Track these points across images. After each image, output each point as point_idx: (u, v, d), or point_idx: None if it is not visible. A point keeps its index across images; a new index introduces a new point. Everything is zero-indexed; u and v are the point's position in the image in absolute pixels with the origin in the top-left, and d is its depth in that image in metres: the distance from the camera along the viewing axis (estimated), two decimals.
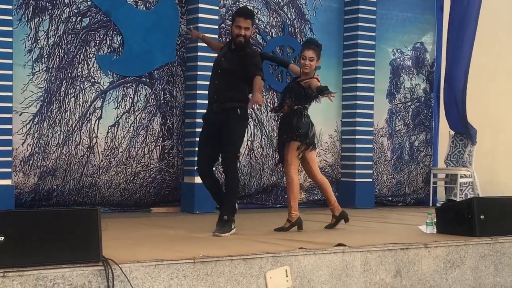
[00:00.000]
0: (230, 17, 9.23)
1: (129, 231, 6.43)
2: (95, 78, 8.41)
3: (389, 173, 10.66)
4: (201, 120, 8.53)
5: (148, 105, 8.76)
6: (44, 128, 8.08)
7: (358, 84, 10.05)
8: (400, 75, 10.79)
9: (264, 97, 9.59)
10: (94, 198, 8.41)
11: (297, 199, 6.76)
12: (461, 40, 10.60)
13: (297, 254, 5.18)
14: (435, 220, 6.58)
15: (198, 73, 8.77)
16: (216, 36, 8.92)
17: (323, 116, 9.75)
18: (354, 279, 5.42)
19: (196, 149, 8.57)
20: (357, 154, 10.04)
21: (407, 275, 5.71)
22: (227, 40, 9.14)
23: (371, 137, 10.24)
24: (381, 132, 10.57)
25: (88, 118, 8.36)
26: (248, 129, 8.94)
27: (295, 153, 6.70)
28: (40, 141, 8.06)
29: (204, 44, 8.75)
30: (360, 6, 10.04)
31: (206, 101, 8.35)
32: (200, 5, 8.81)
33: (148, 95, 8.76)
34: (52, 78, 8.13)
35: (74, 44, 8.27)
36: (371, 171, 10.21)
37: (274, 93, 9.63)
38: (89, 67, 8.37)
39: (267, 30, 9.64)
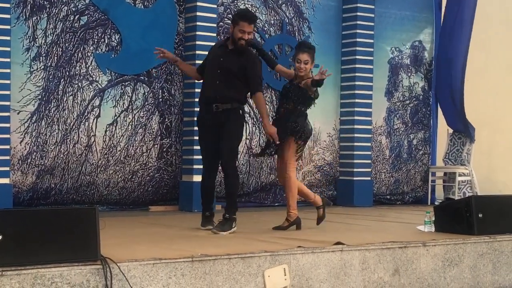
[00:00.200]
0: (229, 15, 9.28)
1: (127, 229, 6.42)
2: (93, 76, 8.40)
3: (388, 172, 10.66)
4: None
5: (146, 103, 8.75)
6: (42, 126, 8.07)
7: (357, 83, 10.05)
8: (399, 73, 10.79)
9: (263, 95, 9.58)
10: (92, 196, 8.40)
11: (296, 198, 6.75)
12: (457, 38, 10.60)
13: (296, 253, 5.18)
14: (434, 219, 6.58)
15: None
16: (214, 35, 8.92)
17: (321, 114, 9.75)
18: (352, 277, 5.42)
19: (195, 147, 8.67)
20: (355, 152, 10.04)
21: (406, 274, 5.71)
22: (223, 38, 9.14)
23: (369, 136, 10.24)
24: (379, 131, 10.57)
25: (86, 117, 8.35)
26: (246, 128, 8.96)
27: (293, 152, 6.68)
28: (38, 140, 8.05)
29: (202, 43, 8.78)
30: (359, 5, 10.04)
31: None
32: (198, 4, 8.80)
33: (146, 94, 8.75)
34: (50, 77, 8.12)
35: (72, 43, 8.26)
36: (369, 170, 10.21)
37: (273, 91, 9.62)
38: (87, 66, 8.36)
39: (265, 29, 9.64)
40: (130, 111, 8.65)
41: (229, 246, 5.26)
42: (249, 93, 6.51)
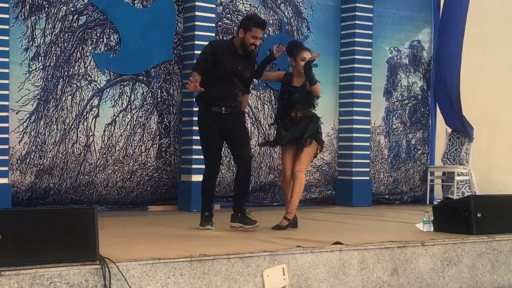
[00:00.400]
0: (228, 15, 9.28)
1: (126, 229, 6.43)
2: (92, 76, 8.40)
3: (386, 171, 10.67)
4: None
5: (145, 103, 8.75)
6: (41, 126, 8.07)
7: (355, 82, 10.05)
8: (397, 73, 10.79)
9: (261, 95, 9.60)
10: (91, 196, 8.40)
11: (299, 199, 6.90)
12: (450, 37, 10.63)
13: (294, 253, 5.18)
14: (432, 218, 6.58)
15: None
16: (213, 35, 8.92)
17: (320, 114, 9.66)
18: (351, 277, 5.43)
19: (193, 147, 8.68)
20: (354, 152, 10.05)
21: (404, 273, 5.71)
22: (222, 37, 9.15)
23: (368, 135, 10.24)
24: (378, 130, 10.57)
25: (85, 117, 8.35)
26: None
27: (311, 155, 6.84)
28: (37, 140, 8.05)
29: (201, 42, 8.77)
30: (357, 4, 10.04)
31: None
32: (197, 3, 8.80)
33: (145, 93, 8.75)
34: (49, 77, 8.12)
35: (71, 43, 8.26)
36: (368, 169, 10.21)
37: (271, 91, 9.62)
38: (86, 66, 8.36)
39: None
40: (129, 111, 8.65)
41: (228, 246, 5.26)
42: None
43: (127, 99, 8.63)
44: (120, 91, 8.58)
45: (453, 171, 10.67)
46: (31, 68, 8.01)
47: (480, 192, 10.54)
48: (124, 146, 8.60)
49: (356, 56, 10.05)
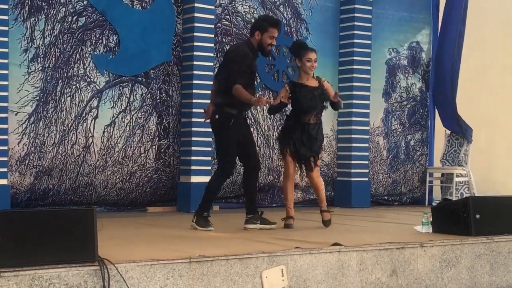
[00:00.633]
0: (227, 17, 9.29)
1: (125, 230, 6.43)
2: (91, 77, 8.40)
3: (385, 172, 10.68)
4: (197, 120, 8.62)
5: (144, 104, 8.76)
6: (40, 127, 8.07)
7: (354, 84, 10.06)
8: (396, 74, 10.80)
9: (261, 95, 9.60)
10: (90, 197, 8.41)
11: None
12: (447, 38, 10.65)
13: (293, 254, 5.18)
14: (431, 220, 6.59)
15: (194, 72, 8.78)
16: (212, 36, 8.93)
17: None
18: (350, 278, 5.43)
19: (192, 148, 8.70)
20: (353, 153, 10.05)
21: (403, 275, 5.71)
22: (223, 39, 9.16)
23: (367, 136, 10.25)
24: (377, 131, 10.58)
25: (84, 118, 8.35)
26: None
27: None
28: (36, 141, 8.05)
29: (200, 44, 8.79)
30: (356, 6, 10.05)
31: (204, 101, 8.42)
32: (196, 5, 8.81)
33: (144, 95, 8.76)
34: (48, 78, 8.13)
35: (70, 44, 8.26)
36: (367, 170, 10.22)
37: (270, 92, 9.63)
38: (85, 67, 8.36)
39: None
40: (128, 112, 8.65)
41: (227, 247, 5.27)
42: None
43: (126, 100, 8.64)
44: (119, 92, 8.58)
45: (452, 172, 10.68)
46: (30, 69, 8.01)
47: (479, 193, 10.56)
48: (123, 147, 8.61)
49: (355, 58, 10.06)
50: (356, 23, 10.06)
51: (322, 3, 10.13)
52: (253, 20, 9.40)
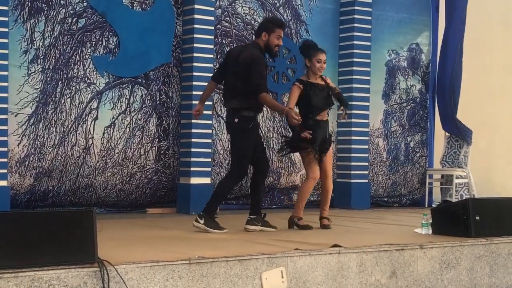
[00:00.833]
0: (227, 18, 9.29)
1: (125, 232, 6.43)
2: (91, 79, 8.40)
3: (385, 174, 10.68)
4: (197, 121, 8.63)
5: (144, 106, 8.76)
6: (40, 129, 8.07)
7: (354, 85, 10.06)
8: (396, 76, 10.81)
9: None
10: (90, 199, 8.40)
11: None
12: (448, 39, 10.65)
13: (293, 255, 5.18)
14: (431, 221, 6.59)
15: (194, 74, 8.78)
16: (212, 37, 8.93)
17: None
18: (349, 280, 5.43)
19: (192, 150, 8.70)
20: (352, 155, 10.05)
21: (403, 276, 5.71)
22: (223, 41, 9.16)
23: (366, 138, 10.25)
24: (376, 133, 10.58)
25: (84, 119, 8.35)
26: None
27: None
28: (36, 142, 8.05)
29: (200, 45, 8.80)
30: (356, 7, 10.06)
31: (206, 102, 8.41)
32: (196, 6, 8.81)
33: (144, 96, 8.76)
34: (48, 79, 8.13)
35: (70, 45, 8.26)
36: (366, 172, 10.22)
37: (270, 94, 9.60)
38: (85, 68, 8.36)
39: None
40: (128, 113, 8.66)
41: (227, 248, 5.27)
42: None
43: (126, 102, 8.64)
44: (119, 93, 8.59)
45: (452, 174, 10.68)
46: (30, 70, 8.01)
47: (478, 195, 10.56)
48: (123, 148, 8.61)
49: (354, 59, 10.06)
50: (355, 25, 10.07)
51: (322, 5, 10.14)
52: (253, 22, 9.44)
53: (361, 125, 10.14)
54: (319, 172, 6.97)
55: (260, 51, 6.62)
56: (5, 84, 7.70)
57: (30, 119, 8.01)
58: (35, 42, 8.04)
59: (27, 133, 7.99)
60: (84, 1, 8.32)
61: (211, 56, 8.94)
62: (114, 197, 8.59)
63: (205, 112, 8.63)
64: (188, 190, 8.66)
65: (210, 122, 8.92)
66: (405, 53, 10.89)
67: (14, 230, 4.12)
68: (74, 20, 8.29)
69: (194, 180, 8.69)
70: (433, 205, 10.00)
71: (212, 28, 8.98)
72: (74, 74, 8.30)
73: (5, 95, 7.70)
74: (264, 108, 9.51)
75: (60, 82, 8.21)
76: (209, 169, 8.89)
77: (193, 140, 8.75)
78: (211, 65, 8.89)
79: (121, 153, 8.59)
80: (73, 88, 8.29)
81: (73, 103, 8.29)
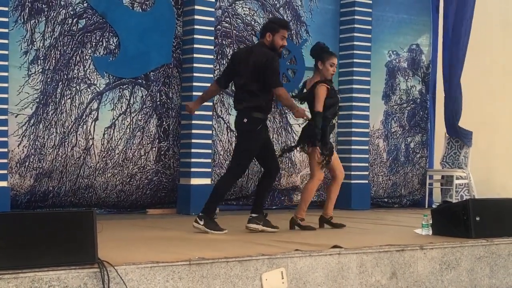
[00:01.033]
0: (227, 19, 9.30)
1: (125, 232, 6.43)
2: (91, 79, 8.40)
3: (385, 175, 10.68)
4: (197, 122, 8.65)
5: (144, 106, 8.76)
6: (40, 129, 8.08)
7: (354, 86, 10.06)
8: (396, 76, 10.80)
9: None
10: (90, 199, 8.41)
11: None
12: (457, 43, 10.62)
13: (293, 256, 5.18)
14: (431, 222, 6.59)
15: (194, 74, 8.78)
16: (212, 38, 8.93)
17: None
18: (350, 280, 5.43)
19: (192, 150, 8.70)
20: (353, 155, 10.04)
21: (403, 277, 5.71)
22: (223, 42, 9.17)
23: (367, 139, 10.25)
24: (377, 134, 10.58)
25: (84, 120, 8.36)
26: None
27: None
28: (36, 143, 8.05)
29: (200, 46, 8.79)
30: (356, 8, 10.06)
31: (204, 103, 8.42)
32: (196, 7, 8.81)
33: (144, 97, 8.76)
34: (48, 80, 8.13)
35: (70, 46, 8.27)
36: (367, 173, 10.22)
37: None
38: (85, 69, 8.36)
39: None
40: (128, 114, 8.66)
41: (227, 249, 5.27)
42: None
43: (127, 103, 8.64)
44: (120, 94, 8.59)
45: (452, 174, 10.68)
46: (31, 71, 8.02)
47: (479, 196, 10.56)
48: (124, 149, 8.61)
49: (355, 60, 10.06)
50: (356, 26, 10.07)
51: (322, 6, 10.14)
52: (253, 23, 9.44)
53: (361, 126, 10.14)
54: (333, 174, 7.19)
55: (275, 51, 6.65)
56: (5, 85, 7.70)
57: (30, 120, 8.01)
58: (35, 43, 8.04)
59: (27, 134, 8.00)
60: (85, 2, 8.33)
61: (211, 57, 8.94)
62: (114, 197, 8.59)
63: (205, 112, 8.68)
64: (188, 191, 8.66)
65: (210, 123, 8.92)
66: (405, 54, 10.89)
67: (14, 230, 4.12)
68: (75, 21, 8.30)
69: (194, 181, 8.69)
70: (433, 206, 9.99)
71: (212, 29, 8.98)
72: (75, 75, 8.30)
73: (5, 96, 7.70)
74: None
75: (60, 83, 8.21)
76: (209, 169, 8.89)
77: (193, 140, 8.75)
78: (211, 66, 8.90)
79: (121, 154, 8.60)
80: (74, 89, 8.29)
81: (74, 104, 8.29)
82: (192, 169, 8.70)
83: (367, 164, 10.23)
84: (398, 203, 10.78)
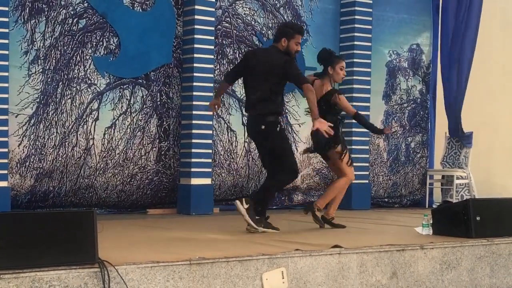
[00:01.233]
0: (227, 19, 9.30)
1: (125, 232, 6.43)
2: (92, 79, 8.40)
3: (385, 175, 10.67)
4: (197, 122, 8.65)
5: (144, 106, 8.76)
6: (41, 130, 8.07)
7: (354, 86, 10.06)
8: (396, 76, 10.80)
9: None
10: (90, 199, 8.41)
11: None
12: (462, 44, 10.61)
13: (293, 256, 5.18)
14: (431, 222, 6.59)
15: (194, 74, 8.78)
16: (212, 38, 8.93)
17: None
18: (350, 280, 5.43)
19: (193, 150, 8.71)
20: (353, 155, 10.01)
21: (403, 277, 5.71)
22: (223, 42, 9.17)
23: (367, 139, 10.25)
24: None
25: (85, 120, 8.36)
26: (244, 131, 8.98)
27: None
28: (37, 143, 8.05)
29: (200, 46, 8.79)
30: (356, 8, 10.05)
31: (204, 102, 8.45)
32: (197, 7, 8.81)
33: (144, 97, 8.76)
34: (49, 80, 8.13)
35: (70, 46, 8.27)
36: (367, 173, 10.22)
37: None
38: (85, 69, 8.36)
39: (263, 32, 9.64)
40: (129, 114, 8.66)
41: (227, 249, 5.27)
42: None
43: (127, 103, 8.64)
44: (120, 94, 8.59)
45: (452, 174, 10.68)
46: (31, 71, 8.02)
47: (479, 196, 10.55)
48: (124, 149, 8.61)
49: (355, 60, 10.06)
50: (356, 25, 10.06)
51: (322, 5, 10.14)
52: (253, 22, 9.44)
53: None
54: (339, 173, 7.37)
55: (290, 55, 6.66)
56: (6, 85, 7.69)
57: (30, 119, 8.01)
58: (35, 42, 8.04)
59: (28, 134, 7.99)
60: (85, 2, 8.33)
61: (212, 57, 8.94)
62: (114, 197, 8.59)
63: (205, 113, 8.68)
64: (189, 191, 8.66)
65: (210, 123, 8.92)
66: (406, 54, 10.89)
67: (14, 230, 4.12)
68: (75, 20, 8.30)
69: (195, 181, 8.69)
70: (434, 206, 10.00)
71: (213, 28, 8.98)
72: (75, 75, 8.30)
73: (6, 96, 7.70)
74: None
75: (60, 83, 8.21)
76: (210, 170, 8.89)
77: (193, 141, 8.75)
78: (211, 66, 8.90)
79: (122, 154, 8.60)
80: (74, 88, 8.29)
81: (74, 104, 8.29)
82: (193, 169, 8.70)
83: (367, 164, 10.23)
84: (399, 203, 10.78)
